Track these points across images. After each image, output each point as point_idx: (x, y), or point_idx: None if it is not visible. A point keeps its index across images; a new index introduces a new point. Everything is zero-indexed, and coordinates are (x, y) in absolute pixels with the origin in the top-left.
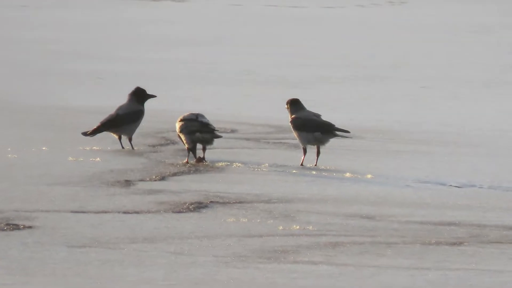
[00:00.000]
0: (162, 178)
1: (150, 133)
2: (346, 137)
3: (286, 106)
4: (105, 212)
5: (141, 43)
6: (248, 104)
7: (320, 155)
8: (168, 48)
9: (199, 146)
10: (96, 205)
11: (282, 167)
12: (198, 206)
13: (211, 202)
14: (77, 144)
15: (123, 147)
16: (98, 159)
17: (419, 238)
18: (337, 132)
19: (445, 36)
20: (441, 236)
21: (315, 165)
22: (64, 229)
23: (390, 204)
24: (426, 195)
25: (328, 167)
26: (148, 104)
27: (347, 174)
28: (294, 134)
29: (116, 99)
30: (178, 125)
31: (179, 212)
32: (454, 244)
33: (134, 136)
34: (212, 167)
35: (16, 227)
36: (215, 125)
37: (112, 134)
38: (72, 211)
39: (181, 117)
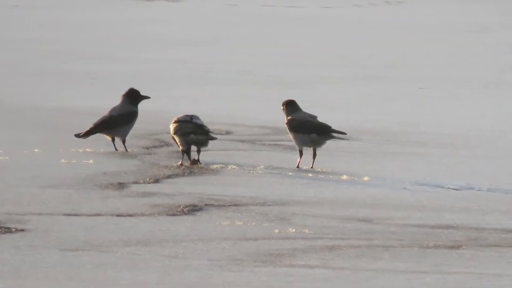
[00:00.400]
0: (156, 181)
1: (144, 134)
2: (343, 138)
3: (282, 107)
4: (98, 215)
5: (136, 43)
6: (244, 105)
7: (317, 157)
8: (164, 48)
9: (193, 148)
10: (89, 207)
11: (278, 169)
12: (193, 209)
13: (206, 204)
14: (70, 146)
15: (116, 149)
16: (91, 161)
17: (416, 241)
18: (334, 134)
19: (443, 36)
20: (439, 239)
21: (311, 167)
22: (57, 232)
23: (387, 206)
24: (424, 198)
25: (324, 169)
26: (142, 105)
27: (344, 177)
28: (290, 135)
29: (110, 100)
30: (172, 126)
31: (173, 215)
32: (452, 247)
33: (127, 138)
34: (206, 169)
35: (8, 230)
36: (210, 126)
37: (105, 135)
38: (64, 214)
39: (175, 118)
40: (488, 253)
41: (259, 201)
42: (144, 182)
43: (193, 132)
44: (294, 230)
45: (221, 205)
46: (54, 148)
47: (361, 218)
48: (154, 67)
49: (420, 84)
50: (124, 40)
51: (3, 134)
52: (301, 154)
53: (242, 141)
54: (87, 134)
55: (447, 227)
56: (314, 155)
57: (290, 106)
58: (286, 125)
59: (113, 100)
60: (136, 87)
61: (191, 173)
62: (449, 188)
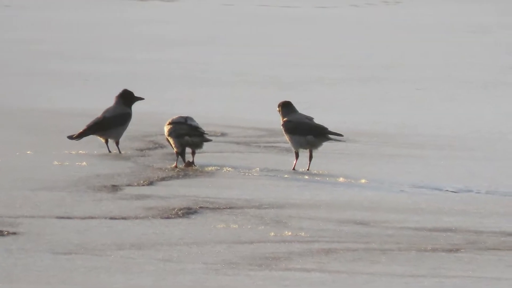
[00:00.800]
0: (150, 183)
1: (137, 136)
2: (339, 140)
3: (277, 108)
4: (91, 218)
5: (130, 44)
6: (239, 106)
7: (313, 159)
8: (158, 49)
9: (188, 150)
10: (82, 210)
11: (274, 172)
12: (187, 212)
13: (201, 207)
14: (63, 148)
15: (110, 151)
16: (84, 163)
17: (414, 245)
18: (330, 136)
19: (441, 36)
20: (436, 242)
21: (308, 169)
22: (49, 235)
23: (385, 209)
24: (422, 200)
25: (320, 172)
26: (136, 107)
27: (340, 179)
28: (286, 137)
29: (103, 101)
30: (166, 128)
31: (168, 218)
32: (450, 250)
33: (121, 140)
34: (201, 172)
35: None
36: (205, 128)
37: (98, 137)
38: (57, 217)
39: (169, 120)
40: (487, 257)
41: (255, 203)
42: (138, 185)
43: (187, 134)
44: (290, 233)
45: (216, 208)
46: (47, 150)
47: (358, 221)
48: (148, 67)
49: (418, 85)
50: (117, 40)
51: None
52: (297, 156)
53: (238, 143)
54: (80, 135)
55: (445, 230)
56: (310, 157)
57: (286, 107)
58: (282, 127)
59: (107, 101)
60: (130, 88)
61: (185, 176)
62: (447, 190)
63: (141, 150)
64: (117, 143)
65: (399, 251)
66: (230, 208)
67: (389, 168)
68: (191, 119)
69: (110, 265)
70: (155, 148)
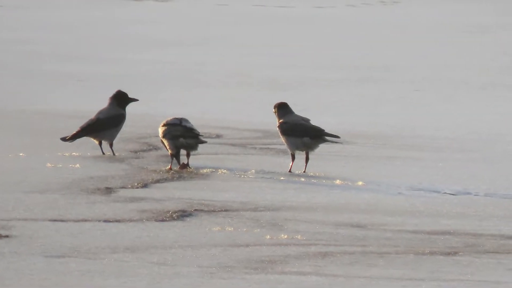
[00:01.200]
0: (145, 185)
1: (131, 138)
2: (336, 142)
3: (273, 110)
4: (85, 220)
5: (124, 44)
6: (234, 107)
7: (309, 161)
8: (152, 49)
9: (183, 152)
10: (76, 213)
11: (270, 174)
12: (182, 215)
13: (196, 210)
14: (56, 150)
15: (103, 153)
16: (77, 165)
17: (412, 248)
18: (327, 137)
19: (439, 36)
20: (435, 245)
21: (304, 171)
22: (42, 238)
23: (382, 212)
24: (419, 203)
25: (317, 174)
26: (130, 108)
27: (337, 181)
28: (282, 139)
29: (97, 103)
30: (161, 130)
31: (162, 220)
32: (448, 254)
33: (115, 142)
34: (196, 174)
35: None
36: (200, 129)
37: (92, 139)
38: (50, 220)
39: (164, 121)
40: (486, 260)
41: (250, 206)
42: (132, 187)
43: (182, 136)
44: (286, 236)
45: (211, 211)
46: (40, 152)
47: (355, 224)
48: (142, 68)
49: (416, 85)
50: (111, 40)
51: None
52: (293, 158)
53: (233, 144)
54: (74, 137)
55: (443, 233)
56: (307, 159)
57: (282, 108)
58: (278, 128)
59: (100, 102)
60: (124, 89)
61: (180, 178)
62: (445, 193)
63: (135, 152)
64: (111, 145)
65: (397, 254)
66: (225, 210)
67: (386, 170)
68: (185, 120)
69: (104, 269)
70: (149, 150)
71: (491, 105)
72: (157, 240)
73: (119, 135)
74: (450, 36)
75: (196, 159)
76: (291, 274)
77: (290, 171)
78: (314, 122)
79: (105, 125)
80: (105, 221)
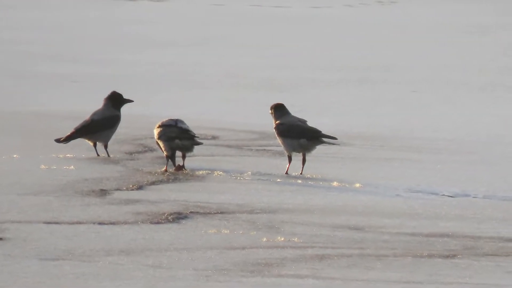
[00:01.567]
0: (140, 187)
1: (126, 139)
2: (333, 144)
3: (270, 111)
4: (80, 223)
5: (118, 44)
6: (230, 108)
7: (306, 163)
8: (147, 50)
9: (178, 153)
10: (70, 215)
11: (266, 176)
12: (178, 217)
13: (191, 212)
14: (50, 152)
15: (98, 155)
16: (72, 167)
17: (410, 251)
18: (324, 139)
19: (438, 36)
20: (433, 248)
21: (301, 173)
22: (36, 241)
23: (380, 214)
24: (418, 205)
25: (314, 176)
26: (125, 109)
27: (334, 183)
28: (279, 140)
29: (91, 104)
30: (156, 131)
31: (157, 223)
32: (447, 256)
33: (110, 143)
34: (192, 176)
35: None
36: (196, 131)
37: (86, 140)
38: (44, 222)
39: (159, 123)
40: (484, 263)
41: (247, 208)
42: (127, 189)
43: (178, 137)
44: (283, 239)
45: (207, 213)
46: (34, 154)
47: (353, 226)
48: (137, 69)
49: (414, 86)
50: (106, 41)
51: None
52: (290, 159)
53: (229, 146)
54: (68, 139)
55: (442, 235)
56: (304, 160)
57: (279, 110)
58: (274, 130)
59: (95, 103)
60: (118, 90)
61: (175, 180)
62: (443, 195)
63: (130, 153)
64: (105, 147)
65: (395, 257)
66: (221, 213)
67: (384, 172)
68: (181, 121)
69: (98, 272)
70: (145, 151)
71: (490, 106)
72: (152, 242)
73: (114, 137)
74: (449, 37)
75: (191, 161)
76: (287, 277)
77: (286, 173)
78: (311, 123)
79: (100, 126)
80: (99, 223)
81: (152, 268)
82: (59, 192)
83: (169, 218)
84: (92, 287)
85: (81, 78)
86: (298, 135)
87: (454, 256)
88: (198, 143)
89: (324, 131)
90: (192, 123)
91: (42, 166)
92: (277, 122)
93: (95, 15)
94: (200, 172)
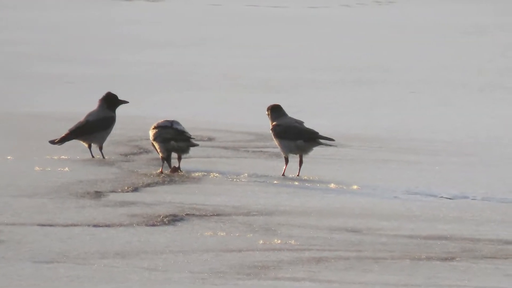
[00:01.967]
0: (135, 189)
1: (122, 141)
2: (331, 145)
3: (266, 112)
4: (74, 225)
5: (114, 45)
6: (227, 110)
7: (303, 164)
8: (143, 50)
9: (174, 155)
10: (65, 218)
11: (263, 178)
12: (173, 219)
13: (187, 214)
14: (44, 153)
15: (93, 156)
16: (66, 169)
17: (408, 253)
18: (321, 140)
19: (436, 37)
20: (431, 250)
21: (298, 175)
22: (31, 243)
23: (377, 216)
24: (416, 207)
25: (311, 178)
26: (120, 110)
27: (332, 185)
28: (275, 142)
29: (86, 105)
30: (151, 132)
31: (153, 225)
32: (445, 259)
33: (105, 145)
34: (188, 178)
35: None
36: (191, 132)
37: (81, 142)
38: (39, 224)
39: (155, 124)
40: (483, 265)
41: (243, 210)
42: (122, 191)
43: (173, 139)
44: (279, 241)
45: (203, 215)
46: (28, 155)
47: (350, 229)
48: (133, 69)
49: (412, 87)
50: (101, 41)
51: None
52: (286, 161)
53: (225, 147)
54: (63, 140)
55: (440, 238)
56: (301, 162)
57: (276, 111)
58: (271, 131)
59: (90, 104)
60: (114, 91)
61: (171, 182)
62: (442, 197)
63: (126, 155)
64: (100, 148)
65: (393, 260)
66: (217, 215)
67: (382, 174)
68: (177, 123)
69: (93, 274)
70: (140, 153)
71: (489, 108)
72: (147, 245)
73: (109, 138)
74: (447, 37)
75: (187, 163)
76: (284, 279)
77: (283, 174)
78: (308, 124)
79: (95, 127)
80: (94, 225)
81: (147, 270)
82: (54, 194)
83: (165, 220)
84: None
85: (76, 79)
86: (295, 137)
87: (452, 258)
88: (194, 145)
89: (321, 132)
90: (188, 124)
91: (37, 168)
92: (274, 123)
93: (91, 16)
94: (196, 174)
